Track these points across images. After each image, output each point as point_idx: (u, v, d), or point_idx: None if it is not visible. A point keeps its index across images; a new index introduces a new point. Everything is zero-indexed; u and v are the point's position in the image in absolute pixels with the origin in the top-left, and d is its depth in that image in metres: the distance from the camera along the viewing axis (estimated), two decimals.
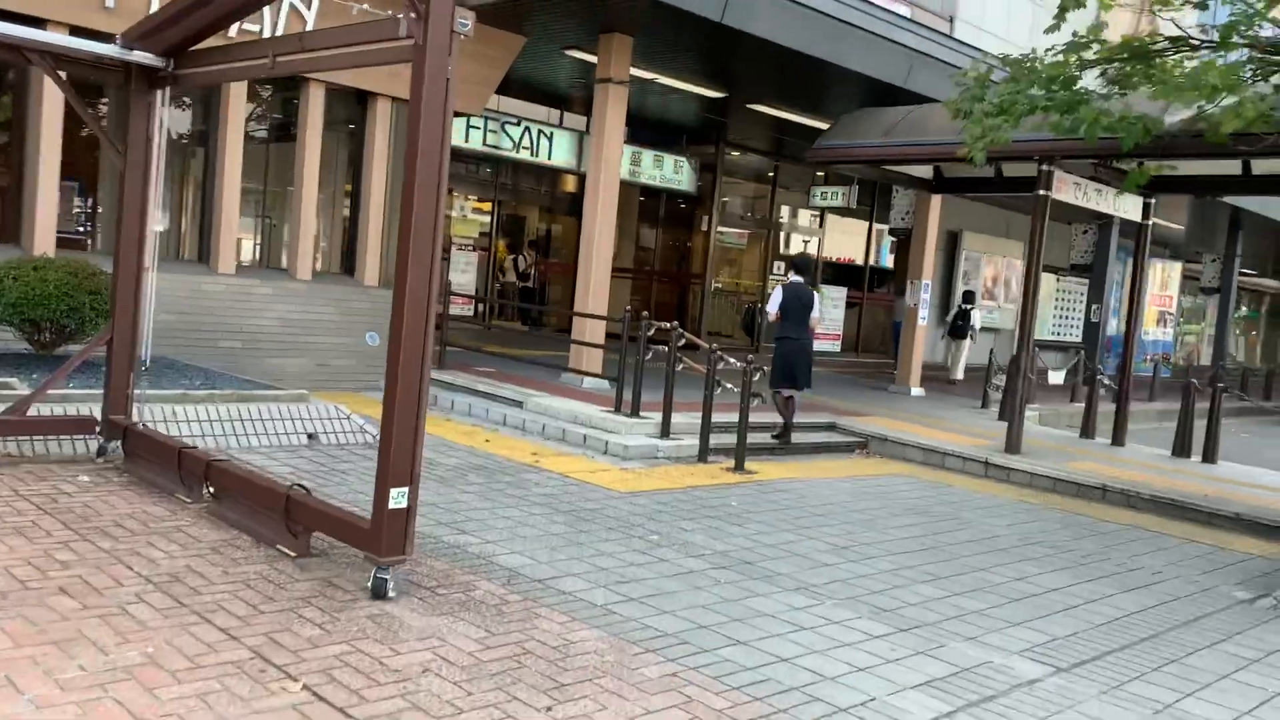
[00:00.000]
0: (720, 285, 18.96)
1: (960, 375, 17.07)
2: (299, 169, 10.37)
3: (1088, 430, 11.87)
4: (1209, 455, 10.73)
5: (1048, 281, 26.63)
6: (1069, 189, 10.08)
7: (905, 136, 10.78)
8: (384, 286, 10.96)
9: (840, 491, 7.92)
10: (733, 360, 8.49)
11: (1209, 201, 18.06)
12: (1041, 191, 9.72)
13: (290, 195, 10.51)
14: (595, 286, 10.88)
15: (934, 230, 14.67)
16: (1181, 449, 10.94)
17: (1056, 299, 25.93)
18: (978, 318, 18.48)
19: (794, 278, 9.59)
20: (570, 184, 18.96)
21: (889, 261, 22.01)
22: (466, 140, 14.23)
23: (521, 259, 19.91)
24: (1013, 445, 9.88)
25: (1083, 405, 16.18)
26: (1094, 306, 19.20)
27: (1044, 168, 9.67)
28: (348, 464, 6.90)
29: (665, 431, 8.73)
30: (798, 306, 9.34)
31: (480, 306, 17.72)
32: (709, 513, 6.65)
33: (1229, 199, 17.94)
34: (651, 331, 9.04)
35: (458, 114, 11.95)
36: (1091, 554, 6.69)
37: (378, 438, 6.78)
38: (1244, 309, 38.84)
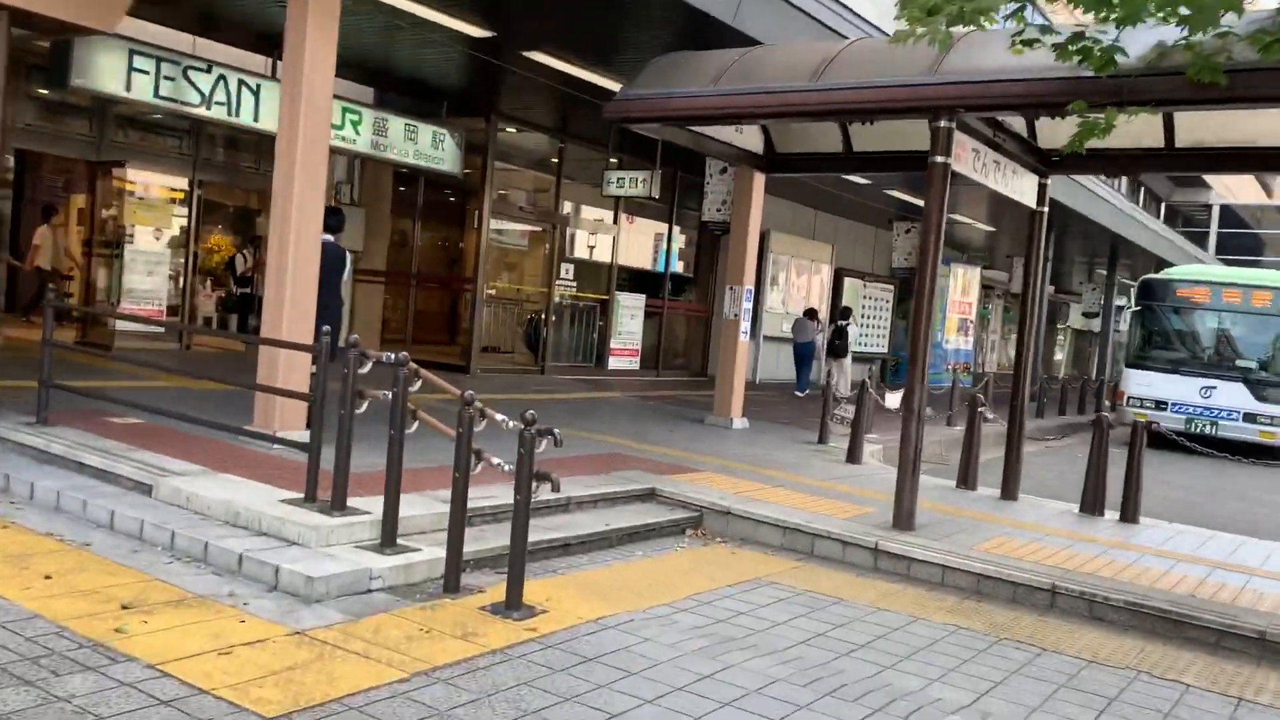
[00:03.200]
0: (495, 292, 15.46)
1: (845, 392, 14.66)
2: None
3: (967, 478, 9.22)
4: (1129, 513, 8.25)
5: (852, 287, 24.77)
6: (968, 158, 7.30)
7: (742, 84, 7.71)
8: None
9: (686, 643, 4.65)
10: (502, 416, 5.06)
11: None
12: (939, 159, 6.86)
13: None
14: (296, 297, 7.20)
15: (757, 222, 11.78)
16: (1094, 504, 8.42)
17: (862, 307, 24.04)
18: (854, 334, 17.13)
19: (323, 236, 7.70)
20: None
21: (679, 266, 19.24)
22: (127, 88, 10.11)
23: (240, 259, 15.70)
24: (903, 519, 6.97)
25: (927, 435, 13.86)
26: None
27: (943, 124, 6.82)
28: None
29: (389, 538, 5.19)
30: (330, 268, 7.74)
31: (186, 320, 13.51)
32: None
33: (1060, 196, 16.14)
34: (367, 367, 5.48)
35: (79, 30, 7.96)
36: None
37: None
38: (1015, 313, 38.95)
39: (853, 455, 10.15)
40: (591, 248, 17.49)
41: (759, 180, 11.22)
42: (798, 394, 16.91)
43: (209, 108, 10.81)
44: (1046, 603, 5.95)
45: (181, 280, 13.79)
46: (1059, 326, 40.48)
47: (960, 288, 24.58)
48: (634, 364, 17.51)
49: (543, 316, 15.73)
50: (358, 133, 12.25)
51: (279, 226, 7.20)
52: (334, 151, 13.13)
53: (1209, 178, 45.03)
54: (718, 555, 6.48)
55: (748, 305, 12.03)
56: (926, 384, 7.13)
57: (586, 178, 16.09)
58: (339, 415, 5.38)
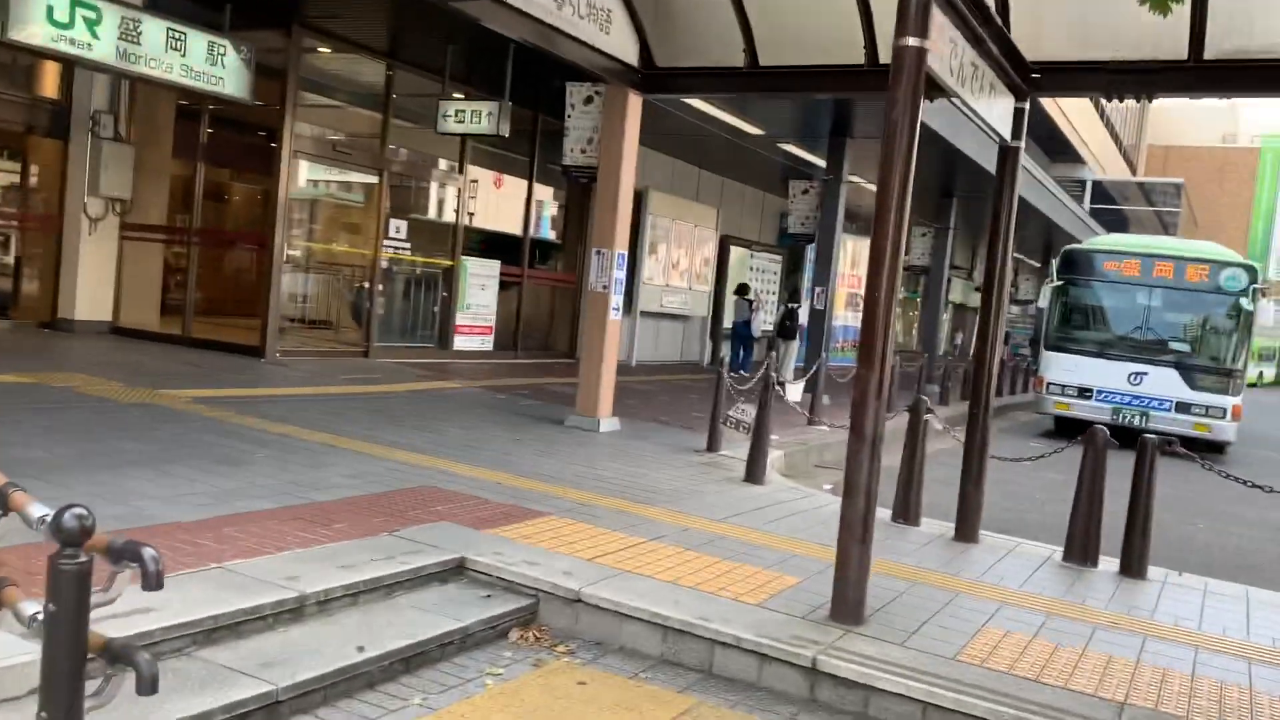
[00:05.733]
0: (299, 254, 12.44)
1: (789, 378, 13.91)
2: None
3: (908, 510, 6.83)
4: (1133, 565, 6.01)
5: (739, 257, 22.41)
6: (945, 50, 4.80)
7: None
8: None
9: None
10: (43, 511, 2.30)
11: (928, 149, 13.87)
12: (911, 41, 4.33)
13: None
14: None
15: (631, 164, 9.13)
16: (1084, 550, 6.14)
17: (749, 280, 21.73)
18: (804, 315, 16.21)
19: None
20: (51, 81, 11.61)
21: (544, 229, 16.54)
22: None
23: None
24: (848, 609, 4.48)
25: (827, 431, 11.52)
26: (817, 289, 14.70)
27: None
28: None
29: None
30: None
31: None
32: None
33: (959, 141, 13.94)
34: None
35: None
36: None
37: None
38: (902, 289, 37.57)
39: (753, 473, 7.69)
40: (433, 202, 14.63)
41: (634, 104, 8.56)
42: (742, 373, 14.67)
43: None
44: None
45: None
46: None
47: (851, 259, 22.76)
48: (487, 344, 14.73)
49: (365, 286, 12.79)
50: (95, 35, 9.07)
51: None
52: (66, 60, 9.92)
53: (1084, 152, 44.53)
54: (555, 693, 3.85)
55: (619, 274, 9.40)
56: (885, 394, 4.59)
57: (424, 116, 13.16)
58: None
